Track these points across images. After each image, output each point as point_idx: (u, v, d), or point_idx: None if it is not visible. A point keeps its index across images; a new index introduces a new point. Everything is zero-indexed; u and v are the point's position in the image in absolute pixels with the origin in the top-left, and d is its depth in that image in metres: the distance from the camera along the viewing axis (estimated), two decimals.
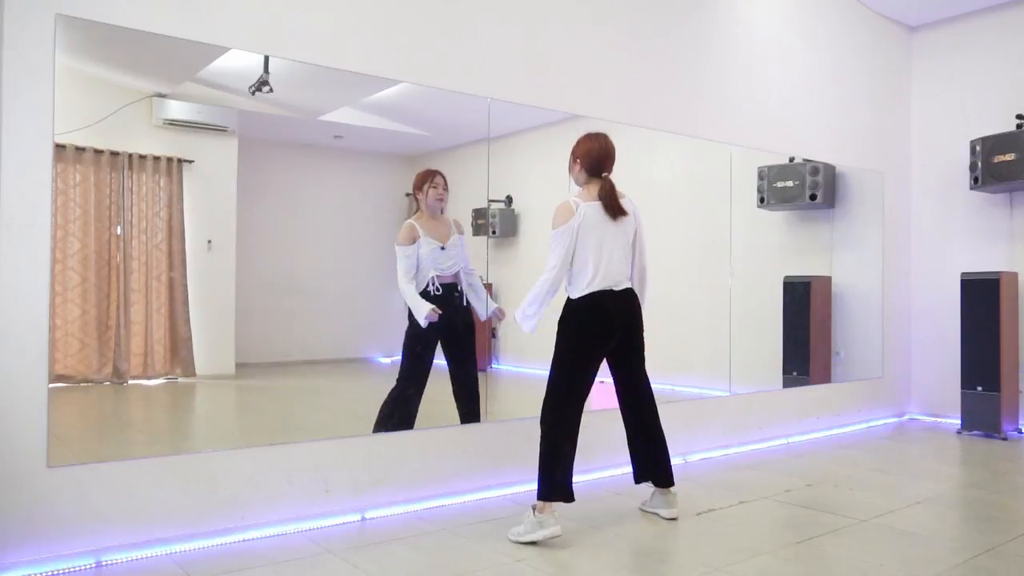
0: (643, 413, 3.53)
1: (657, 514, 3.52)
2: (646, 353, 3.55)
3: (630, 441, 3.59)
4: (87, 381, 3.80)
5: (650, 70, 4.79)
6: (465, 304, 4.04)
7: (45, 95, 2.83)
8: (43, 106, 2.82)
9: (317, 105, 4.60)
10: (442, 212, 4.05)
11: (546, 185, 5.45)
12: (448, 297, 3.95)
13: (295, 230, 5.17)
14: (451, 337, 3.99)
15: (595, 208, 3.30)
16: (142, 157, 3.99)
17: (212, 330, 4.27)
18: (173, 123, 4.13)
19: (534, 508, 3.21)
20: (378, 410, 3.88)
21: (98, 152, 3.81)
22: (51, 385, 2.84)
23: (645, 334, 3.51)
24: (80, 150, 3.75)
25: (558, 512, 3.22)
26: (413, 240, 3.93)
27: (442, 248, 3.96)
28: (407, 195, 5.45)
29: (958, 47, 6.30)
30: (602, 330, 3.32)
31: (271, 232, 5.01)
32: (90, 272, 3.81)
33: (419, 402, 3.91)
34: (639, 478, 3.58)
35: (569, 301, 3.36)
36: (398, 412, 3.86)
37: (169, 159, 4.08)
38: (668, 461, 3.54)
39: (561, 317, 3.36)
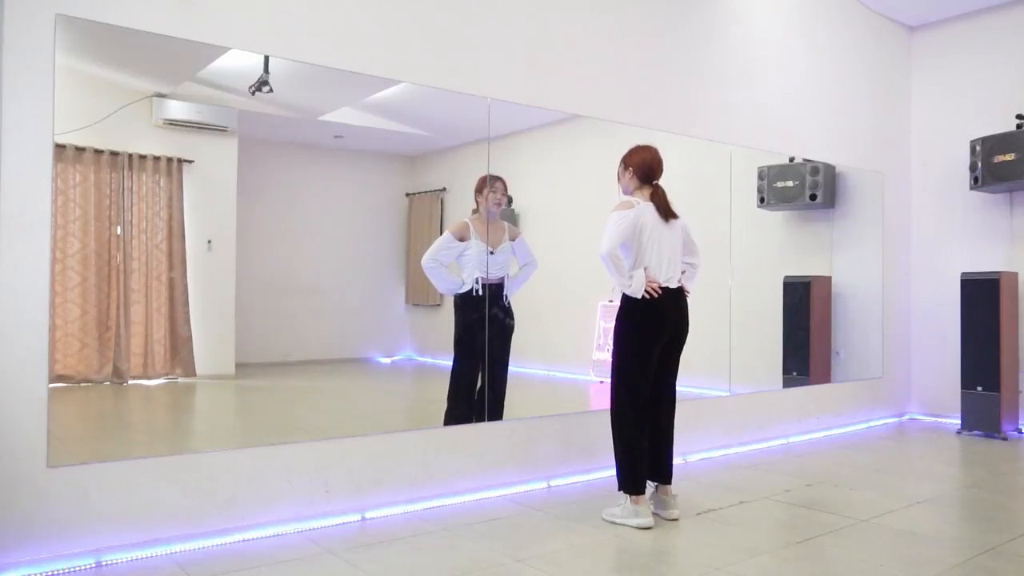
0: (661, 415, 3.61)
1: (658, 515, 3.53)
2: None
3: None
4: (87, 381, 3.80)
5: (650, 70, 4.79)
6: (508, 304, 4.18)
7: (45, 95, 2.82)
8: (43, 106, 2.82)
9: (317, 105, 4.60)
10: (499, 217, 4.20)
11: (546, 185, 5.45)
12: (495, 298, 4.12)
13: (295, 230, 5.17)
14: (495, 335, 4.12)
15: (652, 209, 3.52)
16: (142, 157, 3.99)
17: (212, 330, 4.27)
18: (173, 123, 4.13)
19: (630, 496, 3.41)
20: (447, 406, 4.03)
21: (98, 152, 3.81)
22: (51, 385, 2.83)
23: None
24: (80, 150, 3.75)
25: (651, 504, 3.43)
26: (462, 238, 4.07)
27: (491, 252, 4.11)
28: (407, 195, 5.46)
29: (958, 47, 6.30)
30: (659, 324, 3.48)
31: (271, 232, 5.02)
32: (90, 272, 3.81)
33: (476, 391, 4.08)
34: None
35: (626, 297, 3.48)
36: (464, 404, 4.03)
37: (169, 159, 4.08)
38: (671, 460, 3.62)
39: (618, 315, 3.52)
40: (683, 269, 3.66)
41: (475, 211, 4.21)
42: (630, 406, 3.47)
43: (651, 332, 3.47)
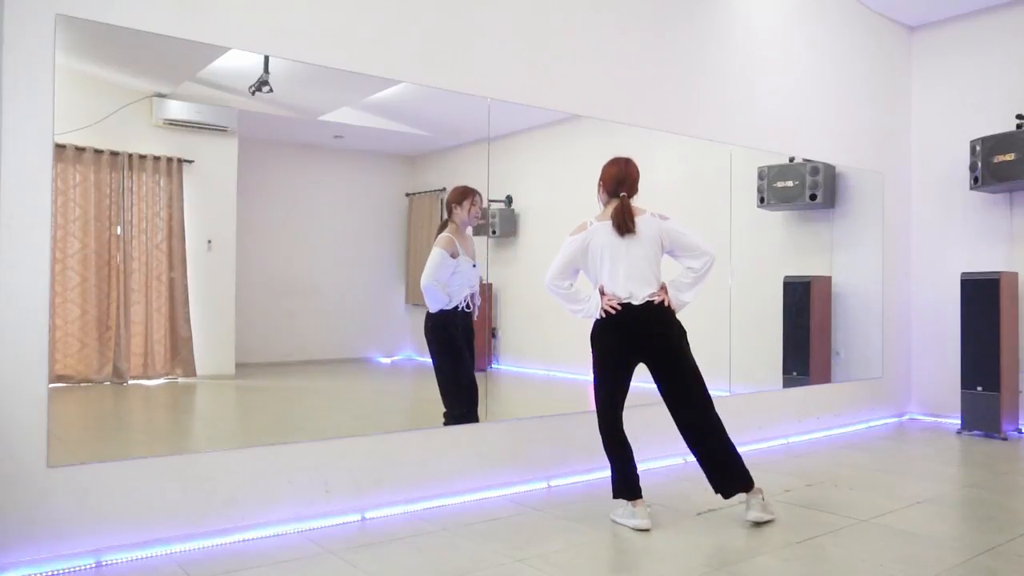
0: (691, 416, 3.49)
1: (757, 522, 3.43)
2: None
3: (689, 447, 3.56)
4: (87, 381, 3.80)
5: (650, 70, 4.79)
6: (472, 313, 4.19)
7: (45, 95, 2.82)
8: (43, 106, 2.82)
9: (317, 105, 4.60)
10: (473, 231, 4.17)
11: (546, 185, 5.46)
12: (472, 311, 4.11)
13: (295, 230, 5.17)
14: (470, 345, 4.11)
15: (606, 227, 3.46)
16: (142, 157, 3.99)
17: (212, 330, 4.27)
18: (173, 123, 4.13)
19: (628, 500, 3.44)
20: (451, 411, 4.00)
21: (98, 152, 3.81)
22: (51, 385, 2.84)
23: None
24: (80, 150, 3.75)
25: (651, 508, 3.43)
26: (453, 254, 4.02)
27: (473, 266, 4.08)
28: (407, 195, 5.46)
29: (958, 47, 6.30)
30: (621, 341, 3.44)
31: (271, 232, 5.02)
32: (90, 272, 3.81)
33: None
34: (714, 488, 3.52)
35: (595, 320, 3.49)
36: (469, 407, 4.02)
37: (169, 159, 4.08)
38: (735, 463, 3.48)
39: (590, 336, 3.52)
40: (685, 276, 3.50)
41: (447, 223, 4.08)
42: (604, 418, 3.49)
43: (613, 349, 3.44)
